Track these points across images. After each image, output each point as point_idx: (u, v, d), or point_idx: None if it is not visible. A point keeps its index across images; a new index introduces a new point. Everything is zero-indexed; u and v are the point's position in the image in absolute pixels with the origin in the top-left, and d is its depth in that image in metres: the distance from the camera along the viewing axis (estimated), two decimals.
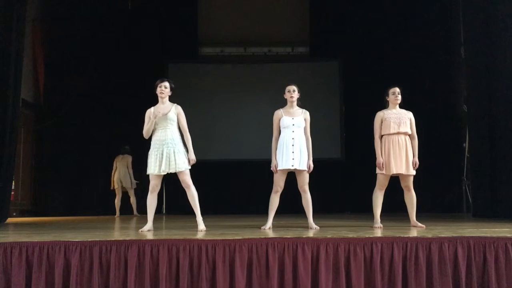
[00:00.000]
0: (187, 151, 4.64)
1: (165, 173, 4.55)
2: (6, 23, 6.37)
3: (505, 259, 3.59)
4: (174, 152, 4.52)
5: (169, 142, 4.54)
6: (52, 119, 8.89)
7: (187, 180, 4.61)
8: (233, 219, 6.55)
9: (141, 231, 4.49)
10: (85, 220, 6.90)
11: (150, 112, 4.67)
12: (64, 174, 8.91)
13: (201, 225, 4.54)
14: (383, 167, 4.93)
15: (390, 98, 5.09)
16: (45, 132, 8.96)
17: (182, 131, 4.68)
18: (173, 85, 4.74)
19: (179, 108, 4.70)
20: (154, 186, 4.62)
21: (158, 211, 4.74)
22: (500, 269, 3.58)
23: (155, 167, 4.52)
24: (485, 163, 6.63)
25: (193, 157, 4.60)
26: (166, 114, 4.58)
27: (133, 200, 8.44)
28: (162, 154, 4.51)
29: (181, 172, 4.56)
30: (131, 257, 3.52)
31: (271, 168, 4.92)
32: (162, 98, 4.68)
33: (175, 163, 4.50)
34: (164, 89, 4.67)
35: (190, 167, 4.61)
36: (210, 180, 8.59)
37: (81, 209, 8.77)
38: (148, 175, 4.62)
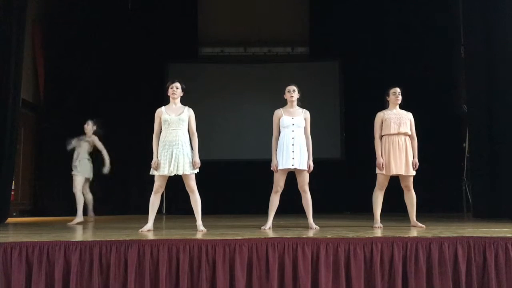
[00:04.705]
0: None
1: (172, 175, 4.55)
2: (6, 23, 6.37)
3: (505, 259, 3.59)
4: (183, 154, 4.54)
5: (179, 144, 4.55)
6: (52, 119, 8.89)
7: (192, 185, 4.62)
8: (233, 219, 6.55)
9: (141, 231, 4.49)
10: (85, 220, 6.89)
11: (159, 111, 4.69)
12: (64, 174, 8.88)
13: (201, 227, 4.54)
14: (383, 167, 4.94)
15: (391, 98, 5.10)
16: (45, 132, 8.96)
17: (191, 134, 4.70)
18: (184, 86, 4.76)
19: (191, 111, 4.74)
20: (159, 187, 4.63)
21: (158, 211, 4.75)
22: (500, 269, 3.58)
23: (163, 168, 4.52)
24: (485, 163, 6.63)
25: (197, 160, 4.61)
26: (179, 115, 4.62)
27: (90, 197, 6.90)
28: (172, 155, 4.52)
29: (187, 176, 4.57)
30: (131, 257, 3.52)
31: (271, 168, 4.93)
32: (174, 99, 4.70)
33: (183, 166, 4.51)
34: (176, 89, 4.70)
35: (196, 171, 4.62)
36: (210, 180, 8.53)
37: None
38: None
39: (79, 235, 4.29)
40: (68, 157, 8.53)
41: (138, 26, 9.36)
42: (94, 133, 6.71)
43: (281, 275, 3.55)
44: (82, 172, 6.50)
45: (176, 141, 4.55)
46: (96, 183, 9.04)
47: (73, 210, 8.58)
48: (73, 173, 6.51)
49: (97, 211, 8.68)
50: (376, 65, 8.97)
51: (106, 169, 6.69)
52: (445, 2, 8.70)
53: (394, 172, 4.92)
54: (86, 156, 6.61)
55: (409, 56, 8.84)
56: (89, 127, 6.68)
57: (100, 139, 6.73)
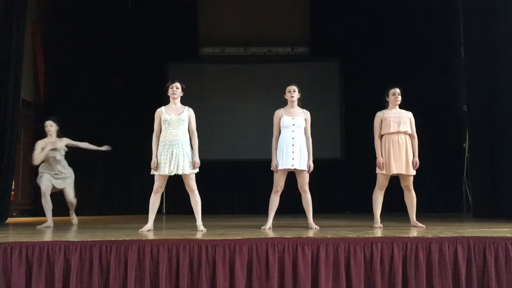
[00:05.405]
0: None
1: (172, 174, 4.56)
2: (6, 23, 6.38)
3: (505, 259, 3.60)
4: (183, 154, 4.54)
5: (179, 144, 4.55)
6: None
7: (192, 185, 4.62)
8: (233, 219, 6.55)
9: (141, 231, 4.50)
10: (85, 220, 6.90)
11: (159, 111, 4.70)
12: None
13: (201, 227, 4.55)
14: (383, 167, 4.94)
15: (390, 98, 5.11)
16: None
17: (191, 134, 4.71)
18: (184, 86, 4.76)
19: (191, 111, 4.74)
20: (159, 187, 4.64)
21: (158, 211, 4.75)
22: (500, 269, 3.58)
23: (164, 168, 4.52)
24: (485, 163, 6.63)
25: (197, 160, 4.61)
26: (179, 115, 4.62)
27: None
28: (172, 155, 4.52)
29: (186, 175, 4.57)
30: (131, 257, 3.52)
31: (271, 168, 4.93)
32: (174, 99, 4.71)
33: (183, 166, 4.52)
34: (176, 89, 4.70)
35: (196, 171, 4.62)
36: (210, 180, 8.57)
37: (80, 209, 8.74)
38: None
39: (79, 235, 4.29)
40: (66, 157, 8.50)
41: (138, 26, 9.36)
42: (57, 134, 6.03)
43: (281, 275, 3.55)
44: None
45: (176, 141, 4.55)
46: (96, 184, 9.09)
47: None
48: (66, 186, 6.01)
49: (97, 210, 8.72)
50: (376, 65, 8.97)
51: (105, 147, 6.28)
52: (445, 3, 8.71)
53: (394, 171, 4.92)
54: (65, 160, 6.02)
55: (409, 56, 8.84)
56: (54, 128, 6.00)
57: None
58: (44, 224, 5.66)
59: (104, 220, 7.18)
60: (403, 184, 5.07)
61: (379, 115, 5.10)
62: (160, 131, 4.66)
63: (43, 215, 8.49)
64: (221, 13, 9.84)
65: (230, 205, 9.09)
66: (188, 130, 4.69)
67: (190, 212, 4.74)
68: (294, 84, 5.03)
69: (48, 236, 4.30)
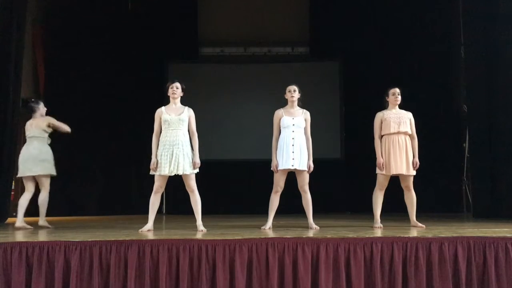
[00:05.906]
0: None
1: (173, 174, 4.56)
2: (6, 22, 6.38)
3: (505, 259, 3.60)
4: (183, 154, 4.54)
5: (179, 144, 4.56)
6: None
7: (192, 185, 4.62)
8: (233, 219, 6.55)
9: (141, 231, 4.50)
10: (85, 220, 6.90)
11: (159, 111, 4.70)
12: (63, 174, 8.88)
13: (201, 227, 4.55)
14: (383, 167, 4.94)
15: (390, 98, 5.11)
16: None
17: (191, 134, 4.71)
18: (184, 86, 4.77)
19: (191, 111, 4.75)
20: (159, 187, 4.64)
21: (158, 211, 4.75)
22: (500, 269, 3.58)
23: (164, 168, 4.52)
24: (485, 163, 6.64)
25: (197, 160, 4.61)
26: (179, 115, 4.63)
27: (45, 197, 5.64)
28: (172, 155, 4.52)
29: (186, 175, 4.58)
30: (131, 257, 3.52)
31: (272, 168, 4.94)
32: (174, 99, 4.71)
33: (183, 166, 4.52)
34: (176, 89, 4.70)
35: (196, 171, 4.62)
36: (210, 180, 8.59)
37: (80, 209, 8.76)
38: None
39: (79, 235, 4.29)
40: (66, 157, 8.50)
41: (138, 26, 9.36)
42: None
43: (281, 275, 3.56)
44: None
45: (176, 141, 4.56)
46: (97, 184, 9.08)
47: (72, 210, 8.62)
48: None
49: (97, 210, 8.72)
50: (376, 65, 8.97)
51: None
52: (445, 2, 8.71)
53: (394, 171, 4.92)
54: None
55: (409, 56, 8.84)
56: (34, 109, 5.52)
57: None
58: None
59: (104, 220, 7.18)
60: (403, 184, 5.07)
61: (379, 115, 5.10)
62: (160, 131, 4.67)
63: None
64: (221, 13, 9.84)
65: (230, 205, 9.09)
66: (188, 131, 4.70)
67: (190, 212, 4.74)
68: (295, 84, 5.03)
69: (48, 236, 4.30)
